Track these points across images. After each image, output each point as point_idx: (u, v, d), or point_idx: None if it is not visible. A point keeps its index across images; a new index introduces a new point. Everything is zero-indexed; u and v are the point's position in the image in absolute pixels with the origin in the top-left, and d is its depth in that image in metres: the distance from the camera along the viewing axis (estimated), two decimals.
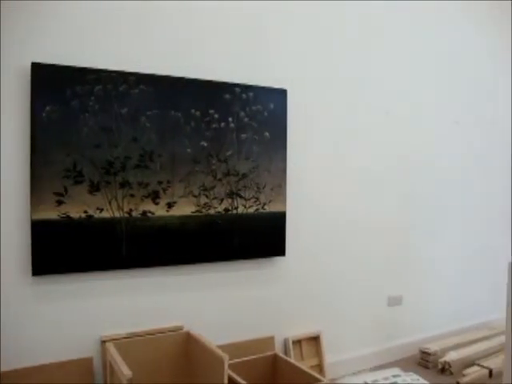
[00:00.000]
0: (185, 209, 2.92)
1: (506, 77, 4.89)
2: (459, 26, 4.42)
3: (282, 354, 3.21)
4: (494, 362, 3.86)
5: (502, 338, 4.02)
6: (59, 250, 2.56)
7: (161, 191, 2.83)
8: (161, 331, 2.86)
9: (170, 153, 2.85)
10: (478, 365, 3.86)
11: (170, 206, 2.86)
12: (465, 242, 4.62)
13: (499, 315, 4.40)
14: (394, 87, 3.98)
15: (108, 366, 2.50)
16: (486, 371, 3.75)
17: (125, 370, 2.17)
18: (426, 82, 4.19)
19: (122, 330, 2.79)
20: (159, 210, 2.83)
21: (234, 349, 3.13)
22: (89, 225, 2.63)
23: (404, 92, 4.04)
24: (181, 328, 2.95)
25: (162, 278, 2.94)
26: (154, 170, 2.81)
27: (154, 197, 2.81)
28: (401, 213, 4.08)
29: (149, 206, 2.80)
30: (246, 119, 3.10)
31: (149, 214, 2.80)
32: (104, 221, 2.67)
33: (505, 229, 4.95)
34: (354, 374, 3.72)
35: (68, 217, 2.56)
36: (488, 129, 4.76)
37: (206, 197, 2.99)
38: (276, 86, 3.26)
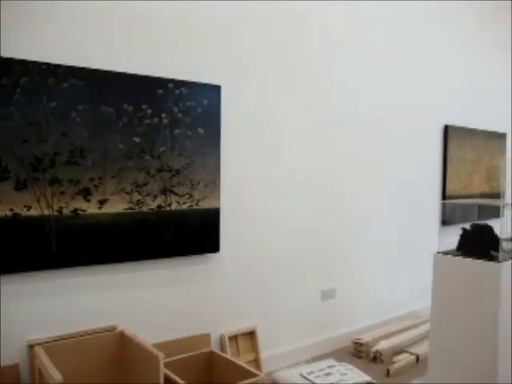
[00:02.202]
0: (117, 206, 2.85)
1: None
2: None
3: (218, 351, 3.22)
4: (421, 349, 4.06)
5: (427, 326, 4.23)
6: None
7: (92, 188, 2.75)
8: (93, 332, 2.78)
9: (101, 149, 2.78)
10: (406, 352, 4.04)
11: (101, 203, 2.79)
12: (393, 235, 4.81)
13: (425, 304, 4.62)
14: (330, 87, 4.08)
15: (37, 372, 2.40)
16: (413, 357, 3.94)
17: (54, 374, 2.10)
18: (360, 82, 4.33)
19: (51, 333, 2.69)
20: (91, 208, 2.75)
21: (169, 347, 3.10)
22: (15, 223, 2.51)
23: (340, 92, 4.15)
24: (114, 328, 2.89)
25: (95, 278, 2.86)
26: (85, 166, 2.72)
27: (86, 194, 2.73)
28: (332, 209, 4.19)
29: (80, 204, 2.71)
30: (179, 115, 3.08)
31: (80, 212, 2.71)
32: (32, 219, 2.56)
33: (431, 221, 5.19)
34: (290, 366, 3.78)
35: None
36: (415, 120, 4.99)
37: (139, 193, 2.94)
38: (210, 81, 3.26)
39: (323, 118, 4.06)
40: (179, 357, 3.04)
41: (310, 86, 3.95)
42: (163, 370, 2.40)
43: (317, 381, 3.35)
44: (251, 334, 3.61)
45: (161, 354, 2.37)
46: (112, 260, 2.87)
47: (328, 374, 3.47)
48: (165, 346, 3.04)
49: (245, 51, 3.50)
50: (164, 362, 2.40)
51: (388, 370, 3.70)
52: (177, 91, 3.07)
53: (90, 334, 2.72)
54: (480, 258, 2.72)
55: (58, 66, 2.60)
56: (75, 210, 2.70)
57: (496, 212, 2.88)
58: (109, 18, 2.84)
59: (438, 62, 5.25)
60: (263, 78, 3.63)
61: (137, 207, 2.94)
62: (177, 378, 2.71)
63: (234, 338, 3.51)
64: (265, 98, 3.64)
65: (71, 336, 2.70)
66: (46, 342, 2.57)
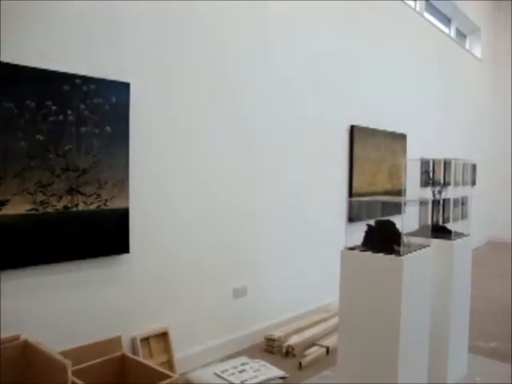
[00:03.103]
0: (19, 207, 2.69)
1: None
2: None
3: (130, 354, 3.14)
4: (331, 341, 4.22)
5: (336, 319, 4.40)
6: None
7: None
8: None
9: (1, 147, 2.61)
10: (317, 344, 4.18)
11: (1, 204, 2.62)
12: (303, 232, 4.95)
13: (335, 298, 4.79)
14: (241, 87, 4.12)
15: None
16: (323, 349, 4.09)
17: None
18: (270, 82, 4.40)
19: None
20: None
21: (79, 353, 2.97)
22: None
23: (249, 92, 4.20)
24: (17, 337, 2.71)
25: None
26: None
27: None
28: (241, 209, 4.23)
29: None
30: (86, 112, 2.96)
31: None
32: None
33: (339, 218, 5.39)
34: (204, 366, 3.76)
35: None
36: (323, 120, 5.16)
37: (43, 194, 2.80)
38: (119, 79, 3.16)
39: (233, 118, 4.08)
40: (89, 363, 2.93)
41: (224, 86, 3.96)
42: (71, 379, 2.30)
43: (231, 378, 3.38)
44: (164, 335, 3.56)
45: (68, 362, 2.27)
46: (14, 265, 2.71)
47: (242, 371, 3.51)
48: (74, 353, 2.91)
49: (157, 50, 3.44)
50: (72, 370, 2.31)
51: (300, 363, 3.81)
52: (84, 88, 2.95)
53: None
54: (383, 253, 2.87)
55: None
56: None
57: (398, 208, 3.04)
58: (14, 9, 2.66)
59: (345, 62, 5.47)
60: (178, 78, 3.58)
61: (41, 208, 2.79)
62: None
63: (146, 340, 3.44)
64: (178, 97, 3.60)
65: None
66: None
